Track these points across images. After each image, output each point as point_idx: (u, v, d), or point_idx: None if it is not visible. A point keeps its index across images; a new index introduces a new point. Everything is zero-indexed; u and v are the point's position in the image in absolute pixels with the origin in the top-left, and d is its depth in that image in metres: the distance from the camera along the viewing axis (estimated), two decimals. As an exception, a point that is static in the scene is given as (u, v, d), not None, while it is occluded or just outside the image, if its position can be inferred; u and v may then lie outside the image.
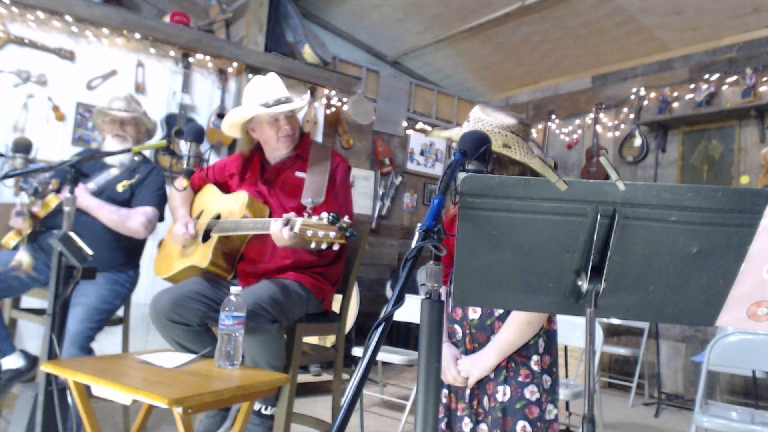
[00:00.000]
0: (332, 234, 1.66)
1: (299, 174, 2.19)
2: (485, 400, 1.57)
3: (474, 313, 1.61)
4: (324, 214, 1.68)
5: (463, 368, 1.58)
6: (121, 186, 2.52)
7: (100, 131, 2.68)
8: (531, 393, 1.54)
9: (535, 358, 1.57)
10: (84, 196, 2.38)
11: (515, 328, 1.53)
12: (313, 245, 1.67)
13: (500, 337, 1.55)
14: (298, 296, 2.04)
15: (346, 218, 1.69)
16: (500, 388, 1.54)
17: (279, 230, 1.78)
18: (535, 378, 1.56)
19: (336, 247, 1.69)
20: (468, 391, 1.60)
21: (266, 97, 2.15)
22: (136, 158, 2.62)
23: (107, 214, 2.41)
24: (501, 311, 1.57)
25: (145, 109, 2.69)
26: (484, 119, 1.53)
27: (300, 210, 1.94)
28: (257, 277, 2.11)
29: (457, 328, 1.64)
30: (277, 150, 2.24)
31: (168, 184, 2.63)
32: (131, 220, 2.45)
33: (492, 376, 1.56)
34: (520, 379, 1.55)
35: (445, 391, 1.65)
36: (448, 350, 1.62)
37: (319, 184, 2.07)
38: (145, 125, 2.67)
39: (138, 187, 2.55)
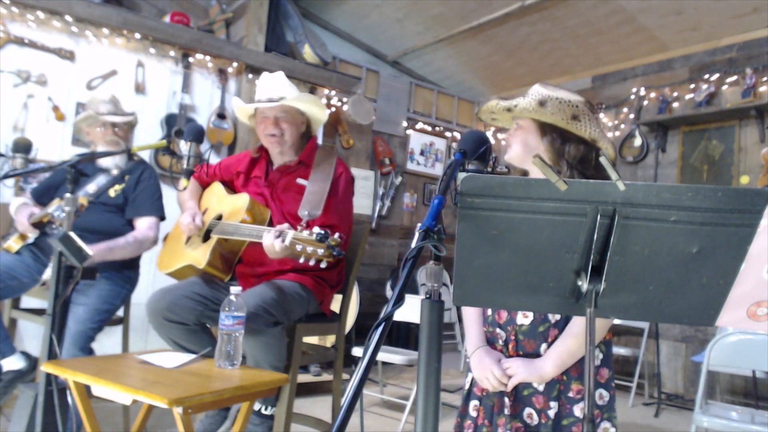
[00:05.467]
0: (320, 251, 1.64)
1: (300, 181, 2.17)
2: (526, 413, 1.44)
3: (524, 318, 1.46)
4: (315, 229, 1.66)
5: (510, 365, 1.42)
6: (113, 191, 2.49)
7: (85, 136, 2.59)
8: (582, 411, 1.41)
9: None
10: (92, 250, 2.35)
11: (578, 336, 1.37)
12: (302, 260, 1.66)
13: (561, 346, 1.40)
14: (300, 297, 2.04)
15: (336, 236, 1.66)
16: (552, 404, 1.41)
17: (271, 243, 1.76)
18: None
19: (323, 265, 1.67)
20: (507, 402, 1.44)
21: (262, 94, 2.16)
22: (129, 160, 2.57)
23: (121, 253, 2.40)
24: (558, 317, 1.43)
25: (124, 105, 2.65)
26: (547, 93, 1.45)
27: (297, 219, 1.93)
28: (257, 279, 2.11)
29: (500, 332, 1.50)
30: (271, 151, 2.24)
31: (164, 183, 2.62)
32: (144, 245, 2.47)
33: (542, 389, 1.43)
34: (570, 394, 1.42)
35: (475, 402, 1.51)
36: (486, 353, 1.47)
37: (318, 195, 2.02)
38: (133, 126, 2.62)
39: (132, 192, 2.51)
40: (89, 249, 1.73)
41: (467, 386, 1.55)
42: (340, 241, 1.67)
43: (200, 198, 2.38)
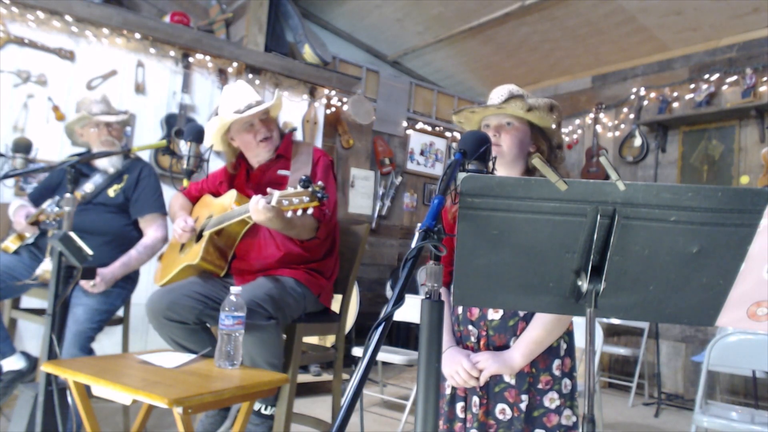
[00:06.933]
0: (306, 198, 1.70)
1: (282, 172, 2.21)
2: (498, 409, 1.46)
3: (495, 314, 1.50)
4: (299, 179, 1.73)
5: (480, 359, 1.44)
6: (113, 191, 2.48)
7: (78, 138, 2.56)
8: (551, 401, 1.45)
9: (557, 362, 1.48)
10: (109, 271, 2.35)
11: (544, 325, 1.41)
12: (289, 214, 1.72)
13: (527, 336, 1.43)
14: (295, 292, 2.05)
15: (319, 183, 1.73)
16: (523, 396, 1.44)
17: (256, 202, 1.80)
18: (555, 384, 1.46)
19: (310, 211, 1.71)
20: (476, 399, 1.48)
21: (238, 105, 2.17)
22: (125, 159, 2.56)
23: (137, 264, 2.44)
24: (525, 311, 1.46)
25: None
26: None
27: None
28: (252, 274, 2.11)
29: (472, 329, 1.53)
30: (258, 155, 2.25)
31: (164, 183, 2.62)
32: (156, 247, 2.50)
33: (513, 382, 1.45)
34: (539, 386, 1.46)
35: (462, 404, 1.51)
36: (456, 351, 1.49)
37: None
38: (126, 125, 2.62)
39: (133, 191, 2.50)
40: (89, 249, 1.73)
41: (449, 390, 1.55)
42: (323, 185, 1.73)
43: (191, 212, 2.39)
